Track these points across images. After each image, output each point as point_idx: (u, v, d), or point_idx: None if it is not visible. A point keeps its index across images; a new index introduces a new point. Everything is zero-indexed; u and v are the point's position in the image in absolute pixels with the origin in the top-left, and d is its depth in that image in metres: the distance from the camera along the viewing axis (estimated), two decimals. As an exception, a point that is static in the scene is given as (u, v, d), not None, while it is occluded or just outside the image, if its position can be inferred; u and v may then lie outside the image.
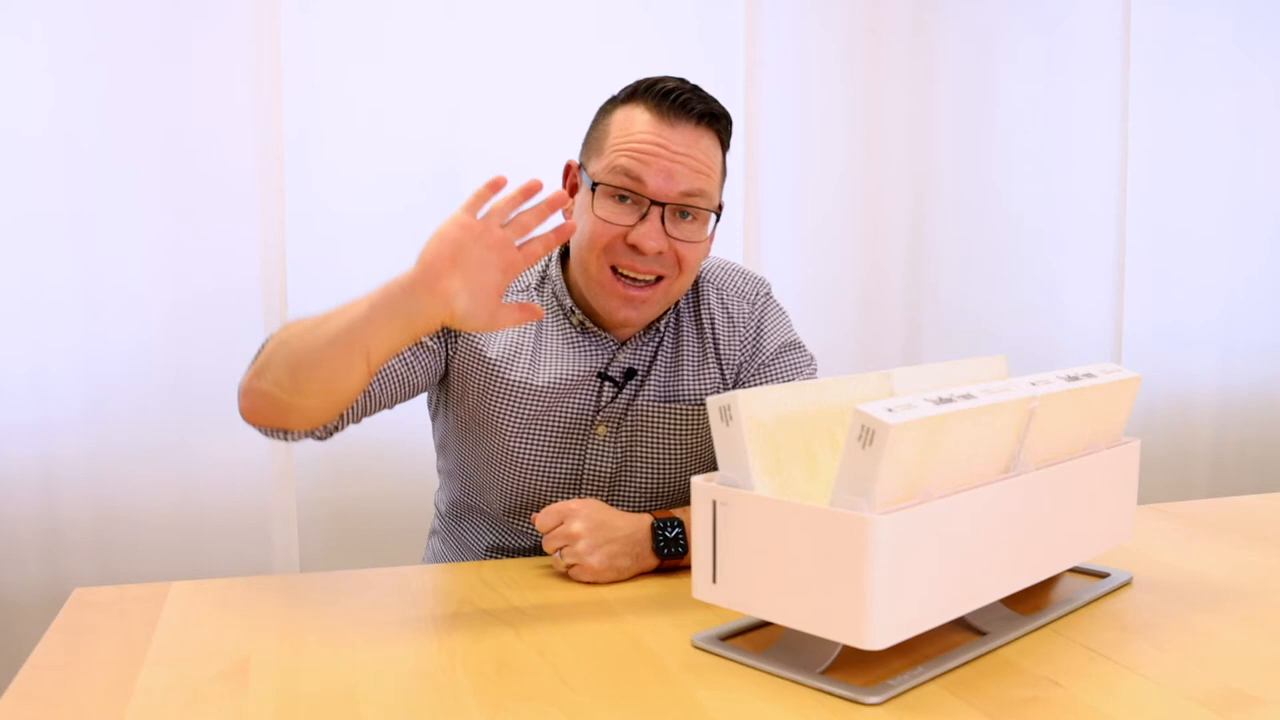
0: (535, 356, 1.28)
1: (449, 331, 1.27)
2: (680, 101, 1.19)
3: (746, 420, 0.89)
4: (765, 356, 1.34)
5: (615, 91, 1.26)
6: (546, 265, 1.33)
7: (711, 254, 1.40)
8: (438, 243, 1.02)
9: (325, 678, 0.89)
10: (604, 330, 1.29)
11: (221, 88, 1.90)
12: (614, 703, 0.83)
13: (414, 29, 1.99)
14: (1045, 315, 2.47)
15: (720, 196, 1.26)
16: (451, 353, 1.28)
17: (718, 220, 1.26)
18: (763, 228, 2.24)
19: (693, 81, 1.23)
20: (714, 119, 1.22)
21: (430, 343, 1.26)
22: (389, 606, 1.07)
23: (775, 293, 1.40)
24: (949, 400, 0.86)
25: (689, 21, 2.15)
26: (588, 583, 1.13)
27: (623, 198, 1.19)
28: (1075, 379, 1.02)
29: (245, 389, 1.15)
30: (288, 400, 1.11)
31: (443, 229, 1.02)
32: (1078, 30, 2.44)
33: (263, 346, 1.16)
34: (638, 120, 1.20)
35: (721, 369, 1.32)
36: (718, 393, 1.30)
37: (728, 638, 0.96)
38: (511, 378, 1.27)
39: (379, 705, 0.84)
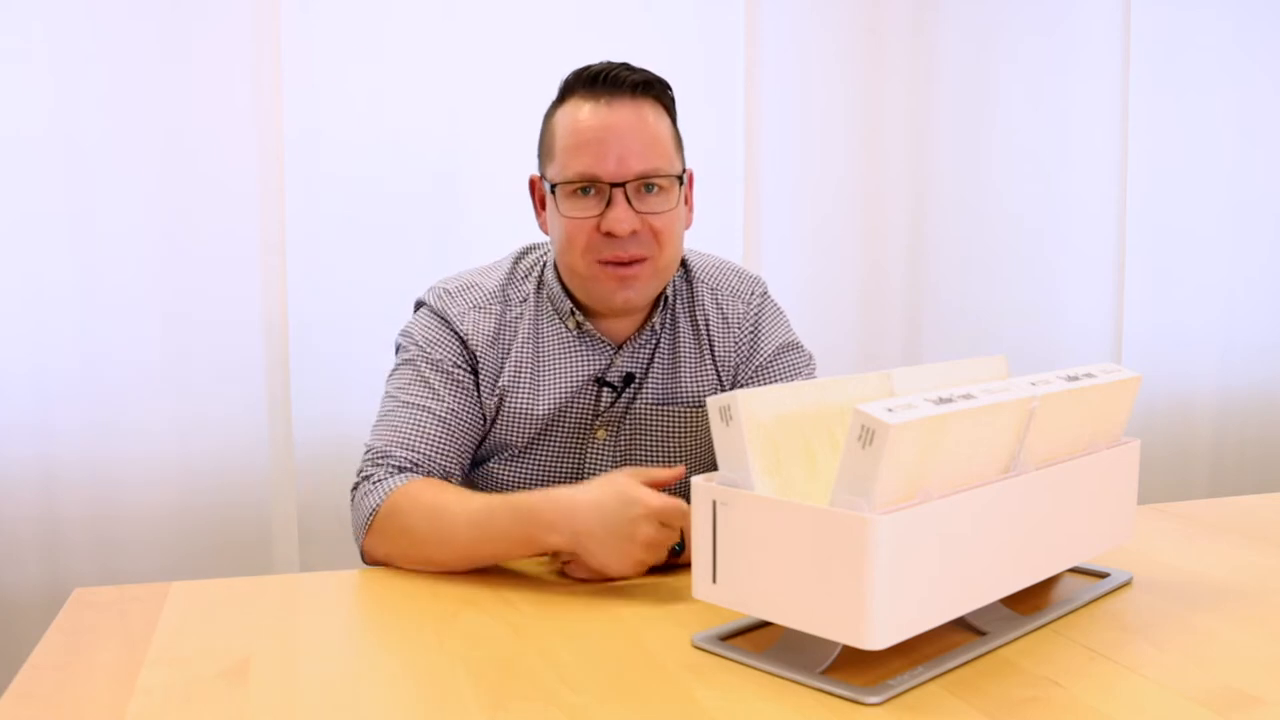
0: (536, 376, 1.28)
1: (470, 364, 1.28)
2: (611, 78, 1.20)
3: (746, 420, 0.89)
4: (763, 358, 1.33)
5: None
6: (542, 271, 1.32)
7: (708, 253, 1.40)
8: (599, 535, 1.07)
9: (325, 678, 0.89)
10: (602, 333, 1.29)
11: (221, 88, 1.90)
12: (614, 703, 0.83)
13: (414, 29, 1.99)
14: (1045, 315, 2.47)
15: (683, 162, 1.26)
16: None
17: (683, 184, 1.25)
18: (763, 228, 2.24)
19: (620, 60, 1.24)
20: (649, 86, 1.22)
21: (464, 377, 1.27)
22: (389, 606, 1.07)
23: (775, 292, 1.40)
24: (949, 400, 0.86)
25: (689, 21, 2.15)
26: (583, 579, 1.13)
27: (584, 190, 1.20)
28: (1075, 379, 1.02)
29: (373, 554, 1.20)
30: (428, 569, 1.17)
31: (613, 526, 1.07)
32: (1078, 30, 2.44)
33: (376, 510, 1.17)
34: (579, 113, 1.21)
35: (718, 370, 1.32)
36: (715, 394, 1.30)
37: (728, 638, 0.96)
38: (514, 406, 1.27)
39: (379, 705, 0.83)
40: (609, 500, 1.07)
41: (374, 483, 1.19)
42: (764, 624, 0.99)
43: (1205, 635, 0.97)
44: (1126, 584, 1.12)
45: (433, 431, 1.23)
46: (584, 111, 1.20)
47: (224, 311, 1.92)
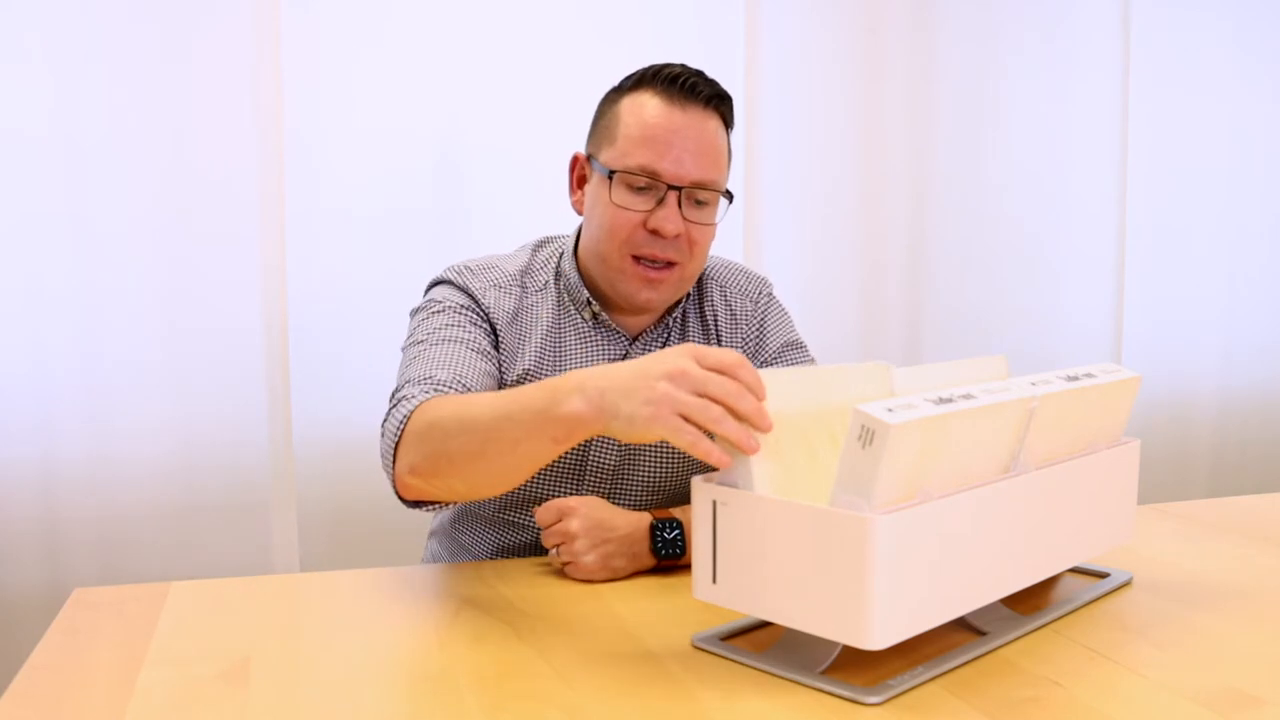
0: (558, 366, 1.28)
1: (492, 335, 1.27)
2: (689, 86, 1.22)
3: (746, 420, 0.89)
4: (768, 355, 1.35)
5: (617, 82, 1.27)
6: (559, 259, 1.33)
7: (716, 253, 1.40)
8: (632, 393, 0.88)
9: (325, 678, 0.89)
10: (617, 324, 1.30)
11: (221, 88, 1.90)
12: (614, 703, 0.83)
13: (414, 28, 1.99)
14: (1045, 316, 2.47)
15: (728, 179, 1.28)
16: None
17: (729, 203, 1.28)
18: (763, 228, 2.24)
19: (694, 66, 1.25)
20: (720, 100, 1.25)
21: (489, 336, 1.26)
22: (389, 606, 1.07)
23: (776, 293, 1.41)
24: (949, 400, 0.86)
25: (689, 21, 2.15)
26: (583, 580, 1.13)
27: (640, 186, 1.21)
28: (1075, 379, 1.02)
29: (407, 484, 1.09)
30: (472, 497, 1.15)
31: (640, 380, 0.88)
32: (1078, 30, 2.44)
33: (401, 431, 1.07)
34: (648, 107, 1.22)
35: (723, 365, 1.32)
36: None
37: (728, 638, 0.96)
38: None
39: (379, 705, 0.84)
40: (640, 360, 0.92)
41: (407, 399, 1.11)
42: (764, 624, 0.99)
43: (1205, 635, 0.97)
44: (1126, 584, 1.12)
45: (472, 360, 1.20)
46: (655, 107, 1.21)
47: (224, 311, 1.92)
